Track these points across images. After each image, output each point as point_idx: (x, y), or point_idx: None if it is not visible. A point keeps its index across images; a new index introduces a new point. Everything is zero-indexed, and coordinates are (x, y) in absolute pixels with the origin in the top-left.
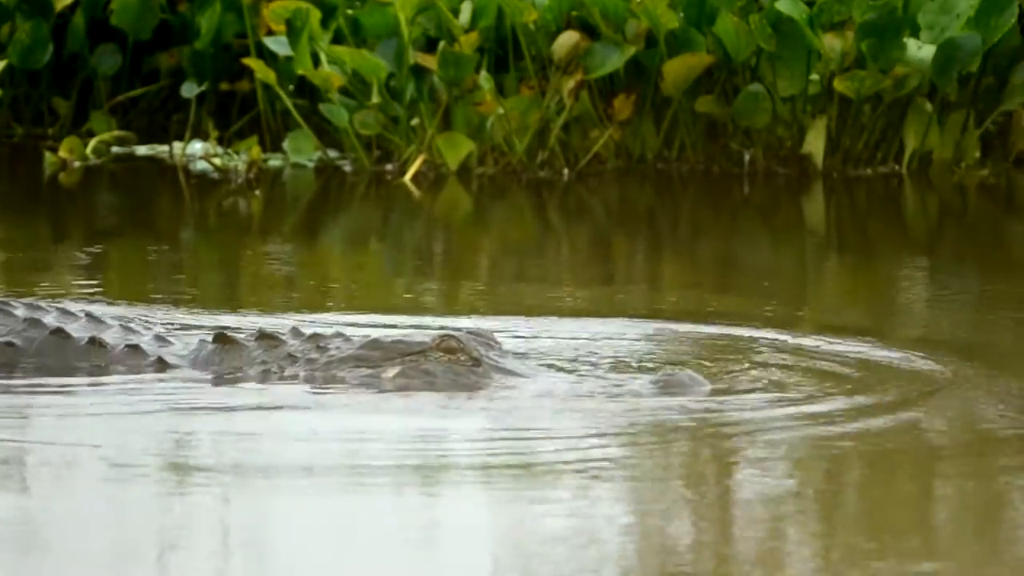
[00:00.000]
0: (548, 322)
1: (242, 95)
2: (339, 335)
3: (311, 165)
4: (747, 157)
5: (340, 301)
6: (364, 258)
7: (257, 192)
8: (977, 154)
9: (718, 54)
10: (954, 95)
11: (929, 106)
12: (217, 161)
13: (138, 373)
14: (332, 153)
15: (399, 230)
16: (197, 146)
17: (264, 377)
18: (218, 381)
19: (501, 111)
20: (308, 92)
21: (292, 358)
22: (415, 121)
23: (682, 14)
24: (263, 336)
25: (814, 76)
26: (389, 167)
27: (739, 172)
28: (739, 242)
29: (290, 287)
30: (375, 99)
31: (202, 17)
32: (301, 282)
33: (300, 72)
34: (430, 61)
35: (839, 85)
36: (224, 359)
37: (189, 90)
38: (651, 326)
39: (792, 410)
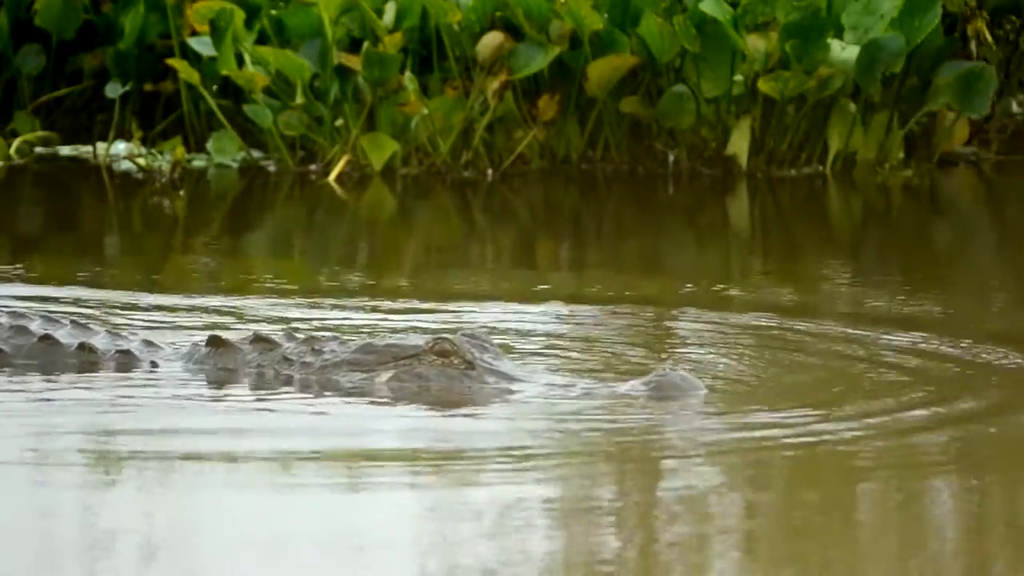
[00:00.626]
0: (471, 305)
1: (166, 95)
2: (335, 338)
3: (235, 165)
4: (671, 158)
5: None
6: (284, 258)
7: (181, 192)
8: (901, 155)
9: (642, 55)
10: (878, 96)
11: (853, 107)
12: (141, 161)
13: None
14: (256, 153)
15: (322, 230)
16: (121, 146)
17: (258, 379)
18: (209, 383)
19: (425, 111)
20: (232, 92)
21: (287, 361)
22: (339, 122)
23: (606, 15)
24: (258, 339)
25: (738, 77)
26: (313, 167)
27: (663, 173)
28: (662, 240)
29: (213, 279)
30: (299, 99)
31: (126, 17)
32: (224, 279)
33: (224, 72)
34: (354, 62)
35: (763, 86)
36: (217, 361)
37: (113, 90)
38: (577, 309)
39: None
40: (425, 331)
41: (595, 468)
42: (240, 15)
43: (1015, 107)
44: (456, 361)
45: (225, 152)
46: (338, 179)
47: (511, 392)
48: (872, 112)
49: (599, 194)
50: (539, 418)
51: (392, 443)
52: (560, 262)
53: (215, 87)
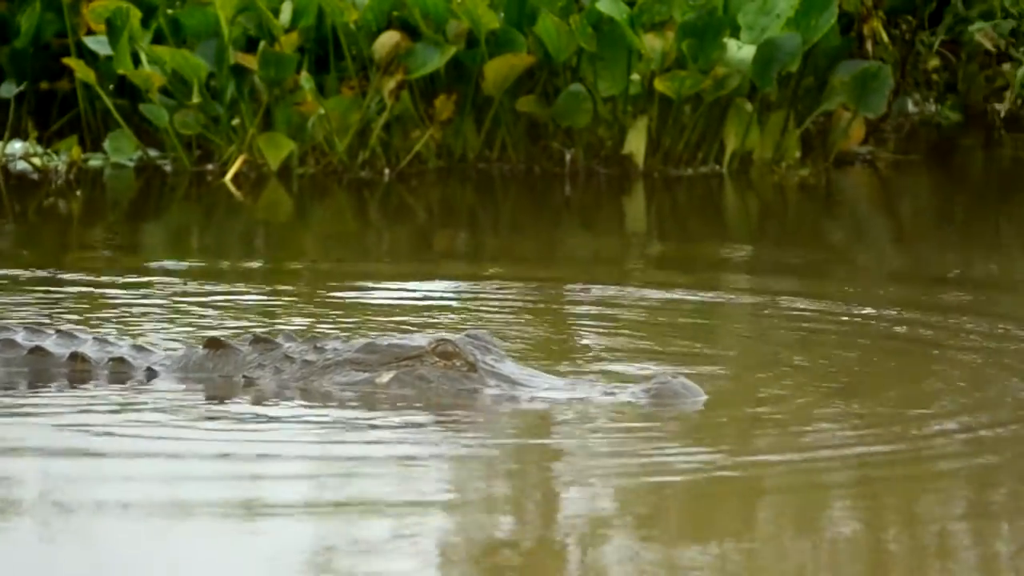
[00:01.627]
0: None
1: (62, 95)
2: (337, 338)
3: (132, 165)
4: (568, 157)
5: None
6: (178, 257)
7: (78, 192)
8: (797, 154)
9: (539, 54)
10: (774, 95)
11: (749, 106)
12: (37, 161)
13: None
14: (153, 153)
15: (217, 229)
16: (17, 146)
17: (258, 380)
18: (208, 386)
19: (322, 111)
20: (128, 92)
21: (288, 360)
22: (236, 121)
23: (503, 14)
24: (257, 340)
25: (635, 76)
26: (210, 167)
27: (560, 172)
28: (557, 236)
29: (111, 270)
30: (195, 99)
31: (22, 16)
32: (120, 278)
33: (120, 72)
34: (251, 61)
35: (660, 85)
36: (216, 364)
37: (8, 90)
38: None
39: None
40: (426, 330)
41: (578, 476)
42: (136, 14)
43: (911, 106)
44: (458, 363)
45: (122, 152)
46: (235, 179)
47: (511, 396)
48: (768, 111)
49: (496, 193)
50: (534, 423)
51: (376, 450)
52: (456, 253)
53: (111, 86)
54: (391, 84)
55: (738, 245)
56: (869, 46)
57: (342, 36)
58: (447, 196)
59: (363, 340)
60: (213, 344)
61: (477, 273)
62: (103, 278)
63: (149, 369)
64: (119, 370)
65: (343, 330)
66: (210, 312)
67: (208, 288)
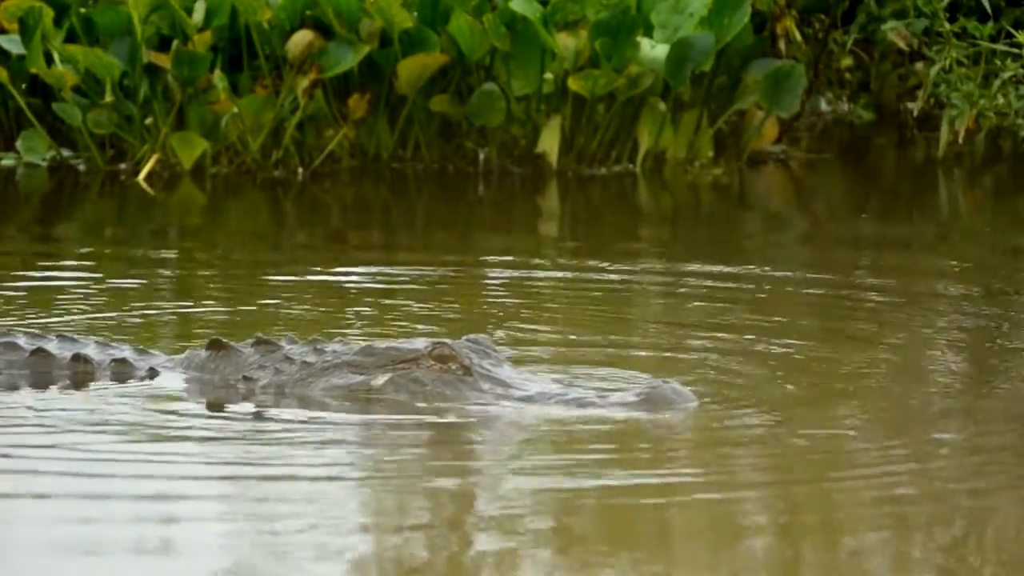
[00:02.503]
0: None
1: None
2: (339, 340)
3: (44, 164)
4: (482, 156)
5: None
6: (90, 257)
7: None
8: (710, 153)
9: (452, 53)
10: (687, 94)
11: (663, 105)
12: None
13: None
14: (66, 152)
15: (130, 228)
16: None
17: (258, 381)
18: (206, 388)
19: (235, 110)
20: (41, 91)
21: (289, 361)
22: (149, 120)
23: (416, 13)
24: (260, 342)
25: (548, 75)
26: (123, 166)
27: (474, 171)
28: (469, 232)
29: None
30: (108, 98)
31: None
32: (26, 278)
33: (33, 71)
34: (164, 60)
35: (573, 84)
36: (218, 365)
37: None
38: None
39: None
40: (426, 335)
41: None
42: (49, 13)
43: (824, 105)
44: (454, 367)
45: (34, 151)
46: (148, 178)
47: (501, 401)
48: (682, 110)
49: (409, 192)
50: (515, 427)
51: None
52: (368, 249)
53: (24, 85)
54: (305, 83)
55: (649, 242)
56: (782, 45)
57: (255, 35)
58: (361, 195)
59: (363, 343)
60: (215, 346)
61: (388, 262)
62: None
63: (151, 370)
64: (121, 371)
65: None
66: (98, 301)
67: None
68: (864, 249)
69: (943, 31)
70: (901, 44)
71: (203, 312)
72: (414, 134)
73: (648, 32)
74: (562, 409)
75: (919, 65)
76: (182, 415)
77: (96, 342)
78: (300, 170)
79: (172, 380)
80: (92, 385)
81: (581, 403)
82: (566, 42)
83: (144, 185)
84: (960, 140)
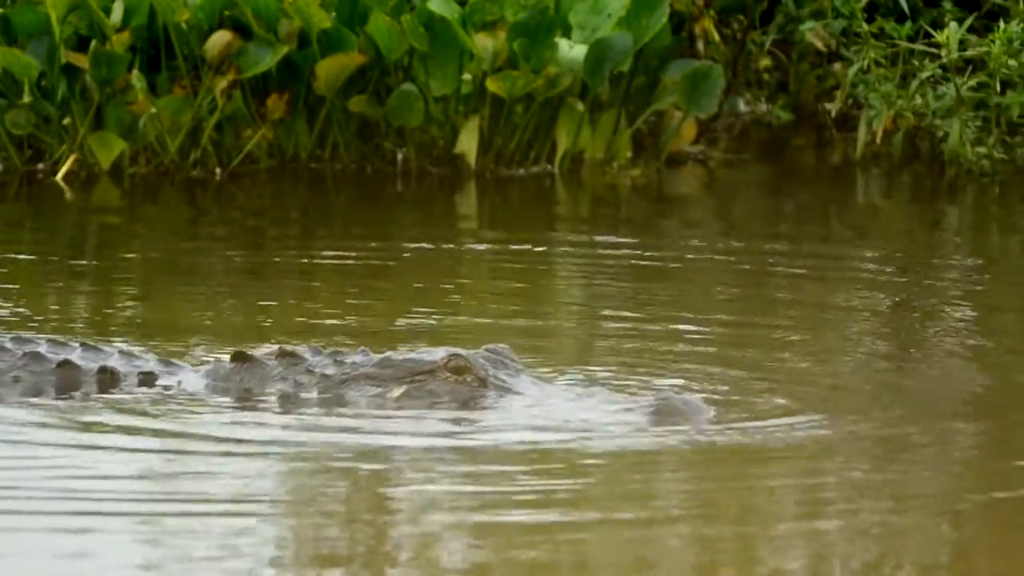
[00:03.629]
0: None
1: None
2: (362, 350)
3: None
4: (400, 156)
5: None
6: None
7: None
8: (629, 154)
9: (371, 54)
10: (606, 95)
11: (581, 106)
12: None
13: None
14: None
15: (46, 228)
16: None
17: (278, 394)
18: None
19: (153, 110)
20: None
21: (310, 373)
22: (67, 120)
23: (334, 14)
24: (283, 353)
25: (466, 76)
26: (41, 166)
27: (392, 171)
28: (388, 233)
29: None
30: (26, 98)
31: None
32: None
33: None
34: (82, 60)
35: (491, 85)
36: (243, 377)
37: None
38: None
39: None
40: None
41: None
42: None
43: (742, 106)
44: (469, 378)
45: None
46: (66, 178)
47: (514, 411)
48: (600, 111)
49: (328, 192)
50: (514, 440)
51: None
52: (287, 243)
53: None
54: (223, 83)
55: (566, 243)
56: (700, 46)
57: (173, 35)
58: (279, 195)
59: (382, 355)
60: (240, 357)
61: (306, 256)
62: None
63: (177, 381)
64: (147, 383)
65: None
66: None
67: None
68: (782, 245)
69: (861, 32)
70: (819, 45)
71: (118, 311)
72: (332, 134)
73: (566, 33)
74: (570, 421)
75: (837, 66)
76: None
77: (120, 352)
78: (218, 170)
79: (194, 391)
80: (114, 395)
81: (591, 417)
82: (484, 43)
83: (62, 185)
84: (878, 140)
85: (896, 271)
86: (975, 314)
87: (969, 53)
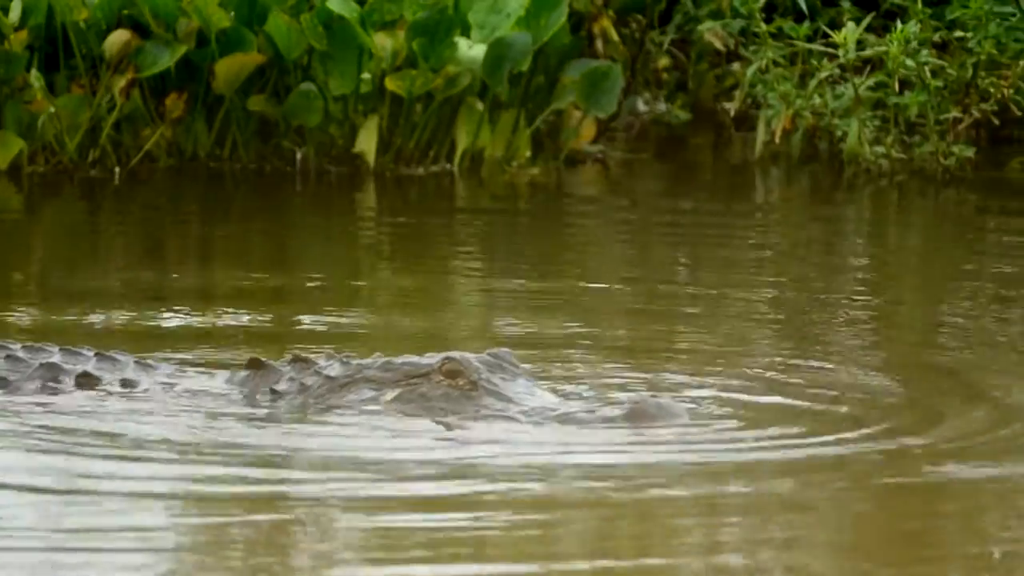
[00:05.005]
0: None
1: None
2: (378, 356)
3: None
4: (299, 156)
5: None
6: None
7: None
8: (528, 153)
9: (269, 53)
10: (505, 94)
11: (480, 105)
12: None
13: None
14: None
15: None
16: None
17: (284, 395)
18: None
19: (52, 109)
20: None
21: (316, 375)
22: None
23: (233, 13)
24: (296, 359)
25: (366, 75)
26: None
27: (291, 171)
28: (286, 232)
29: None
30: None
31: None
32: None
33: None
34: None
35: (390, 84)
36: (257, 384)
37: None
38: None
39: None
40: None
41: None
42: None
43: (641, 105)
44: (461, 382)
45: None
46: None
47: (497, 416)
48: (499, 110)
49: (226, 191)
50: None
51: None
52: (187, 248)
53: None
54: (121, 82)
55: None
56: (599, 45)
57: (72, 34)
58: (177, 194)
59: (384, 358)
60: (254, 364)
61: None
62: None
63: (198, 392)
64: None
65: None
66: None
67: None
68: (680, 243)
69: (759, 31)
70: (718, 44)
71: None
72: (231, 134)
73: (465, 32)
74: (552, 425)
75: (736, 65)
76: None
77: (136, 362)
78: (117, 169)
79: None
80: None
81: (568, 420)
82: (383, 42)
83: None
84: (777, 140)
85: (793, 269)
86: (867, 313)
87: (867, 53)
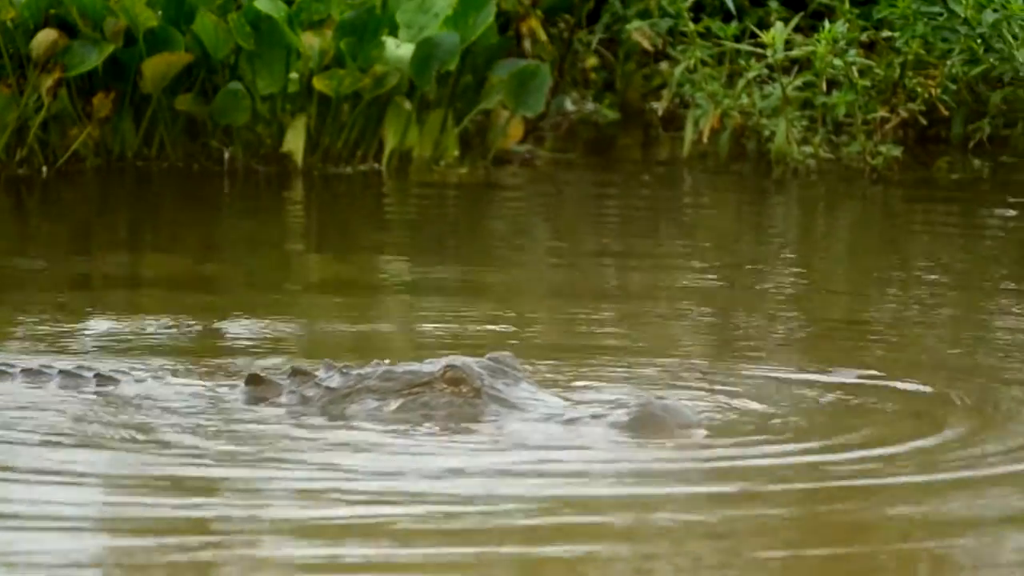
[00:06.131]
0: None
1: None
2: (375, 363)
3: None
4: (227, 155)
5: None
6: None
7: None
8: (456, 152)
9: (197, 52)
10: (433, 94)
11: (408, 105)
12: None
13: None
14: None
15: None
16: None
17: (283, 406)
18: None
19: None
20: None
21: (317, 386)
22: None
23: (160, 12)
24: (296, 372)
25: (293, 75)
26: None
27: (219, 170)
28: (209, 228)
29: None
30: None
31: None
32: None
33: None
34: None
35: (318, 84)
36: (257, 397)
37: None
38: None
39: None
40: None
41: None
42: None
43: (569, 105)
44: (465, 389)
45: None
46: None
47: (502, 422)
48: (427, 110)
49: (154, 190)
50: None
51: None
52: (116, 244)
53: None
54: (49, 82)
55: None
56: (527, 45)
57: None
58: (105, 194)
59: (385, 367)
60: (253, 380)
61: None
62: None
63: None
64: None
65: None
66: None
67: None
68: (606, 241)
69: (687, 31)
70: (646, 44)
71: None
72: (159, 133)
73: (393, 32)
74: (557, 430)
75: (664, 65)
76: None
77: (153, 377)
78: (44, 169)
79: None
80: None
81: (575, 424)
82: (311, 41)
83: None
84: (705, 140)
85: (720, 267)
86: (792, 313)
87: (795, 53)
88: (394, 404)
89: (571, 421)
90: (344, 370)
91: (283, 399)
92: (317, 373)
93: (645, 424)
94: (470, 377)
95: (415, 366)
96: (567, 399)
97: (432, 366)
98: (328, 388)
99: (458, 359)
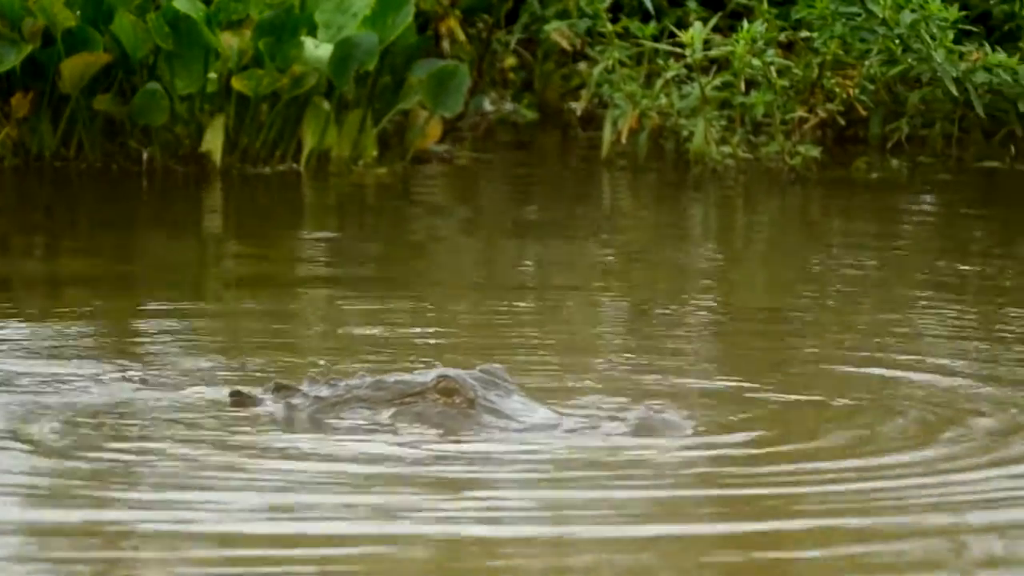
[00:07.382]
0: None
1: None
2: (363, 375)
3: None
4: (145, 155)
5: None
6: None
7: None
8: (375, 153)
9: (116, 52)
10: (352, 94)
11: (327, 105)
12: None
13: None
14: None
15: None
16: None
17: (271, 414)
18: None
19: None
20: None
21: (304, 396)
22: None
23: (79, 12)
24: (279, 387)
25: (212, 75)
26: None
27: (138, 170)
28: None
29: None
30: None
31: None
32: None
33: None
34: None
35: (237, 84)
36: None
37: None
38: None
39: None
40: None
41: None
42: None
43: (488, 105)
44: (458, 400)
45: None
46: None
47: (497, 433)
48: (346, 110)
49: (73, 191)
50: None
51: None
52: (33, 245)
53: None
54: None
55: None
56: (446, 45)
57: None
58: (24, 194)
59: (375, 377)
60: (235, 395)
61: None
62: None
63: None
64: None
65: None
66: None
67: None
68: (526, 241)
69: (606, 31)
70: (564, 44)
71: None
72: (77, 133)
73: (312, 32)
74: (553, 439)
75: (582, 65)
76: None
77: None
78: None
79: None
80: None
81: (571, 435)
82: (230, 41)
83: None
84: (623, 140)
85: (638, 267)
86: (711, 316)
87: (713, 53)
88: (386, 413)
89: (568, 433)
90: (332, 381)
91: (269, 409)
92: (300, 387)
93: (643, 436)
94: (463, 388)
95: (405, 376)
96: (560, 411)
97: (424, 376)
98: (317, 397)
99: (450, 370)
